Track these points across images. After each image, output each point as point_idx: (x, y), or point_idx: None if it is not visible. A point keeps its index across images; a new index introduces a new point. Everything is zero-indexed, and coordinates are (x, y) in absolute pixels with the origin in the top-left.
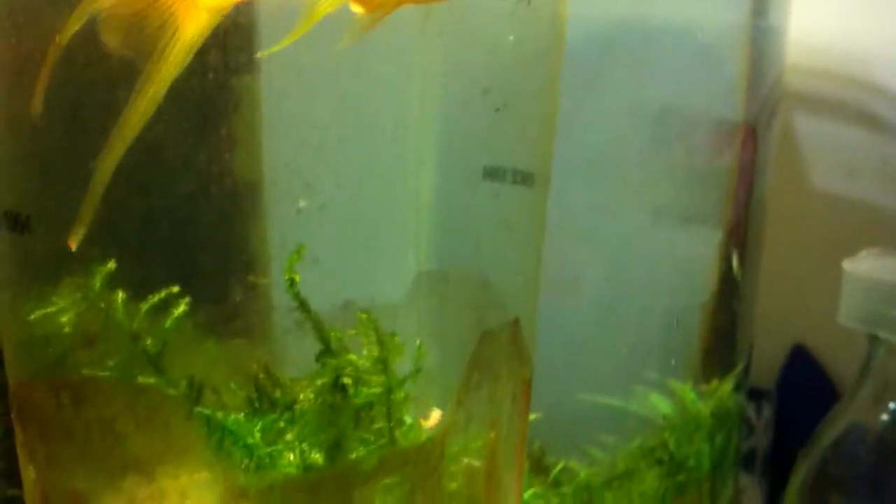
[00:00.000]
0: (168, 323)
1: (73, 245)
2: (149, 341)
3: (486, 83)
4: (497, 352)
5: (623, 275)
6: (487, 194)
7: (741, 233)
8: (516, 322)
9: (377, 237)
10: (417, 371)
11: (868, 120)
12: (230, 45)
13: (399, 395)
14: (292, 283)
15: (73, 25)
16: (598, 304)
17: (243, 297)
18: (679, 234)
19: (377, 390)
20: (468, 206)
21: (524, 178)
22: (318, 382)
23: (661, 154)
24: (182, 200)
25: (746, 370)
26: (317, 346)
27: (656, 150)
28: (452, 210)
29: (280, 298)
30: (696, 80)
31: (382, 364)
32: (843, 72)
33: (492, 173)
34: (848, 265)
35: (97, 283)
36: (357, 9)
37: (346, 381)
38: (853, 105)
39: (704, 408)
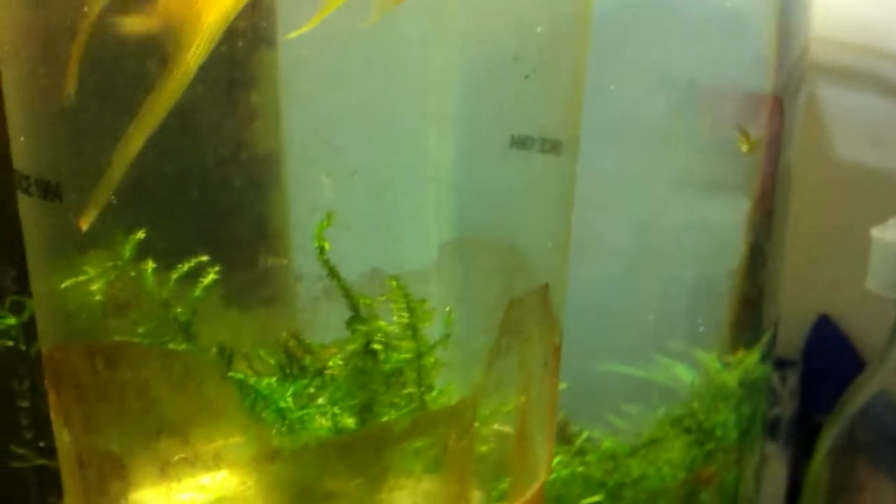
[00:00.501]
0: (197, 291)
1: (84, 225)
2: (179, 309)
3: (516, 50)
4: (527, 316)
5: (649, 242)
6: (515, 162)
7: (768, 202)
8: (545, 287)
9: (400, 204)
10: (447, 337)
11: (892, 89)
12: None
13: (429, 360)
14: (322, 250)
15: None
16: (624, 271)
17: (270, 266)
18: (706, 202)
19: (407, 356)
20: (495, 173)
21: (553, 147)
22: (349, 348)
23: (688, 123)
24: (206, 168)
25: (773, 340)
26: (345, 314)
27: (683, 118)
28: (479, 177)
29: (308, 266)
30: (724, 49)
31: (412, 330)
32: (866, 41)
33: (520, 142)
34: (876, 232)
35: (127, 251)
36: None
37: (377, 346)
38: (877, 74)
39: (731, 378)
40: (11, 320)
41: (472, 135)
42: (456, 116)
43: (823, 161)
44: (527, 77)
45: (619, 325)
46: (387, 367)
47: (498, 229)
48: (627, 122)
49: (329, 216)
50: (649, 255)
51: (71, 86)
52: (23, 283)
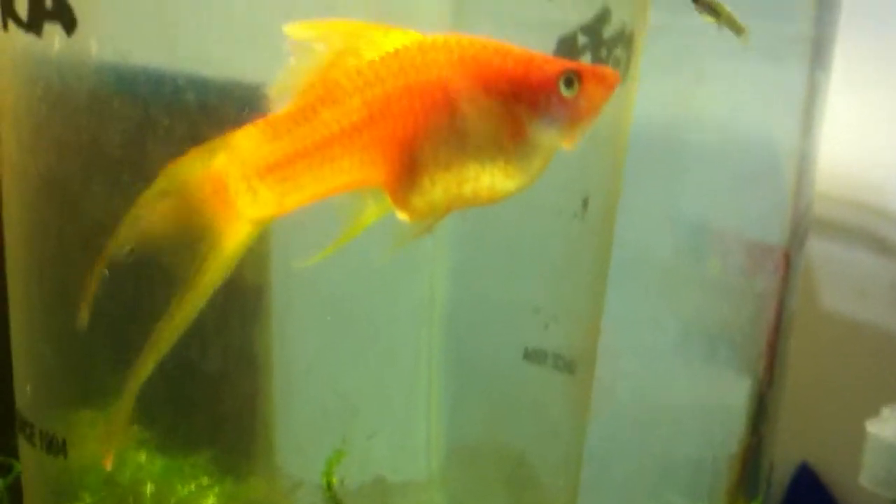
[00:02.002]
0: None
1: (108, 466)
2: None
3: (537, 301)
4: None
5: (652, 398)
6: (527, 376)
7: (772, 353)
8: None
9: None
10: None
11: (878, 244)
12: None
13: None
14: (329, 485)
15: (114, 248)
16: (629, 422)
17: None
18: (712, 357)
19: None
20: (505, 384)
21: (567, 365)
22: None
23: (696, 268)
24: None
25: (767, 490)
26: None
27: (689, 263)
28: (488, 386)
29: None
30: (741, 198)
31: None
32: (855, 197)
33: (532, 355)
34: (872, 427)
35: None
36: (403, 216)
37: None
38: (864, 229)
39: None
40: None
41: (483, 344)
42: (463, 331)
43: (809, 311)
44: (547, 326)
45: (622, 478)
46: None
47: (506, 439)
48: (634, 263)
49: (338, 454)
50: (653, 408)
51: (85, 315)
52: None
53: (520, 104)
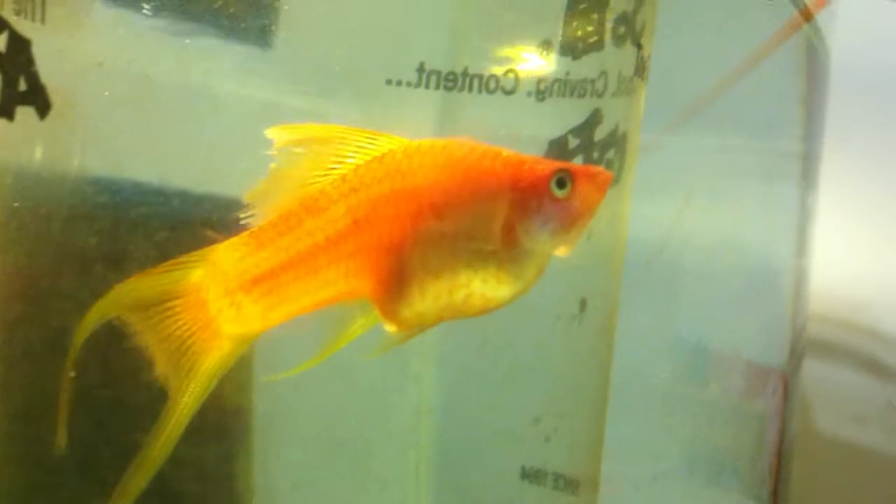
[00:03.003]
0: None
1: None
2: None
3: (537, 411)
4: None
5: None
6: (525, 497)
7: (776, 478)
8: None
9: None
10: None
11: (873, 366)
12: None
13: None
14: None
15: (84, 332)
16: None
17: None
18: (716, 484)
19: None
20: None
21: (567, 485)
22: None
23: (695, 391)
24: None
25: None
26: None
27: (688, 386)
28: None
29: None
30: (739, 319)
31: None
32: (847, 318)
33: (531, 475)
34: None
35: None
36: (391, 328)
37: None
38: (858, 351)
39: None
40: None
41: (479, 462)
42: (456, 448)
43: (806, 435)
44: (548, 439)
45: None
46: None
47: None
48: (632, 388)
49: None
50: None
51: (62, 439)
52: None
53: (511, 207)
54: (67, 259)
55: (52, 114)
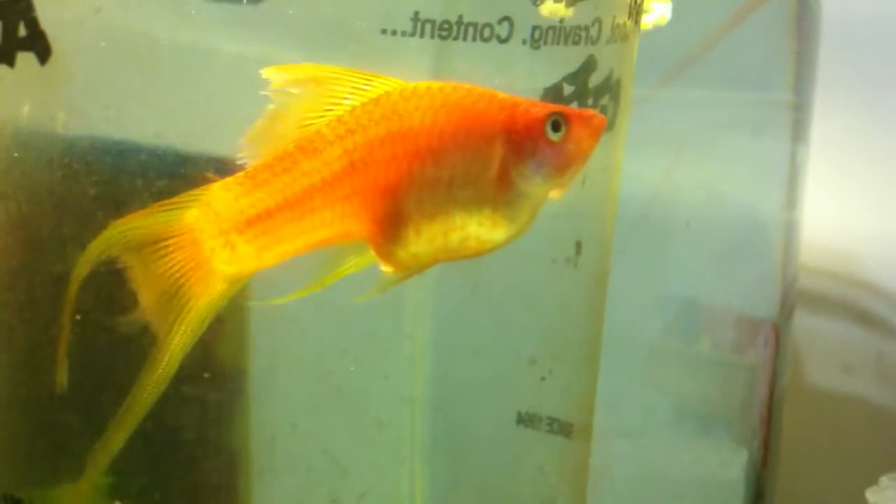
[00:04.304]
0: None
1: None
2: None
3: (533, 352)
4: None
5: (648, 480)
6: (521, 441)
7: (766, 430)
8: None
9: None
10: None
11: (863, 318)
12: None
13: None
14: None
15: (71, 293)
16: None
17: None
18: (706, 436)
19: None
20: (497, 449)
21: (562, 428)
22: None
23: (685, 346)
24: None
25: None
26: None
27: (679, 341)
28: (479, 451)
29: None
30: (729, 272)
31: None
32: (837, 270)
33: (525, 420)
34: (872, 496)
35: None
36: (387, 269)
37: None
38: (848, 303)
39: None
40: None
41: (475, 404)
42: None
43: (794, 387)
44: (543, 379)
45: None
46: None
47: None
48: (623, 344)
49: None
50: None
51: (62, 379)
52: None
53: (505, 150)
54: (68, 207)
55: (51, 62)
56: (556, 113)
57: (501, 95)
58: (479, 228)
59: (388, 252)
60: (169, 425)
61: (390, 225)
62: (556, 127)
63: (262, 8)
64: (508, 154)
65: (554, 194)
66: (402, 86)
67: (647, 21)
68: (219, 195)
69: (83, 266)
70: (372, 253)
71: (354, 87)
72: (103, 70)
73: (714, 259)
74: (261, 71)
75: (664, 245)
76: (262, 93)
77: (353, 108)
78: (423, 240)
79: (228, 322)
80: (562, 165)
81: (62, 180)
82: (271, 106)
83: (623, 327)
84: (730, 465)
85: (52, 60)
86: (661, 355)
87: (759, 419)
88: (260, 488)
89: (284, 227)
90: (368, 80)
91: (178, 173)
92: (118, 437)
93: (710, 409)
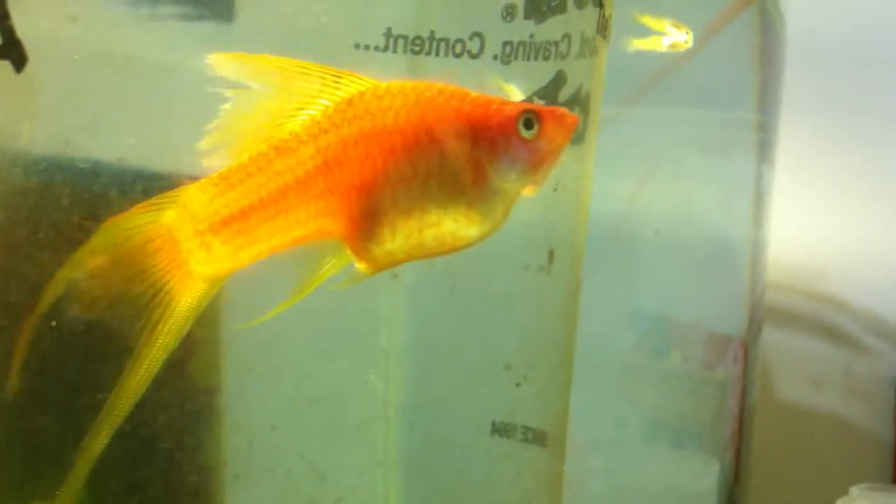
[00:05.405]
0: None
1: None
2: None
3: (507, 358)
4: None
5: (621, 494)
6: (495, 450)
7: (738, 444)
8: None
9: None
10: None
11: (831, 333)
12: None
13: None
14: None
15: (50, 296)
16: None
17: None
18: (678, 451)
19: None
20: (471, 459)
21: (536, 437)
22: None
23: (656, 361)
24: None
25: None
26: None
27: (650, 356)
28: (457, 456)
29: None
30: (699, 289)
31: None
32: (805, 287)
33: (500, 429)
34: None
35: None
36: (363, 267)
37: None
38: (816, 319)
39: None
40: None
41: (450, 419)
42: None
43: (763, 401)
44: (517, 385)
45: None
46: None
47: None
48: (595, 359)
49: None
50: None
51: (14, 383)
52: None
53: (479, 147)
54: (44, 212)
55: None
56: (528, 111)
57: (474, 94)
58: (454, 225)
59: (363, 250)
60: (143, 431)
61: (365, 222)
62: (528, 125)
63: (234, 27)
64: (482, 151)
65: (528, 191)
66: (374, 84)
67: (665, 43)
68: (194, 196)
69: (72, 268)
70: (348, 252)
71: (324, 85)
72: (79, 79)
73: (683, 276)
74: (206, 58)
75: (635, 262)
76: (213, 90)
77: (326, 108)
78: (398, 237)
79: (204, 328)
80: (535, 162)
81: (36, 188)
82: (226, 106)
83: (596, 342)
84: (702, 477)
85: (28, 69)
86: (634, 370)
87: (730, 433)
88: (237, 492)
89: (260, 226)
90: (338, 77)
91: (153, 187)
92: (100, 438)
93: (682, 423)
